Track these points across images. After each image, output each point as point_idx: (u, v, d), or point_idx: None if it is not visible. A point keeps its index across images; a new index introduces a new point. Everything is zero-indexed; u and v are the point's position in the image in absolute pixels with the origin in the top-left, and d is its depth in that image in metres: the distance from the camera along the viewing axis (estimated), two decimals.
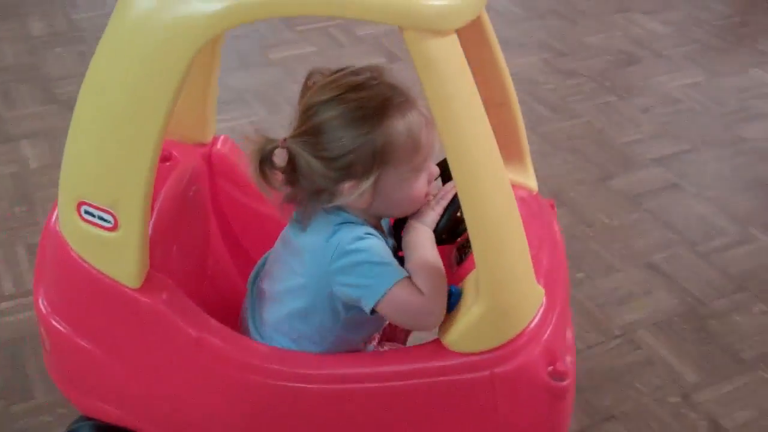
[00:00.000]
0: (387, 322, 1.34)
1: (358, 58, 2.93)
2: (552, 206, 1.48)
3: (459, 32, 1.28)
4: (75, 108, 1.13)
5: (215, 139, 1.53)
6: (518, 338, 1.15)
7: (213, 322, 1.23)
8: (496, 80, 1.33)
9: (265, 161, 1.16)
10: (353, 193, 1.16)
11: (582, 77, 2.83)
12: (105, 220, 1.14)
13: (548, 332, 1.18)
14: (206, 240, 1.51)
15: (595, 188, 2.29)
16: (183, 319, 1.20)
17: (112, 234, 1.14)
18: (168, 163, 1.45)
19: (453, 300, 1.16)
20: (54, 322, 1.27)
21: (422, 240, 1.21)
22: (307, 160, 1.14)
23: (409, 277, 1.15)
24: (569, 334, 1.31)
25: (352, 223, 1.19)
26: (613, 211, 2.22)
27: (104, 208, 1.13)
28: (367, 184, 1.15)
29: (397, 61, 2.87)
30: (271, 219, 1.53)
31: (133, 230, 1.13)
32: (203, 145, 1.51)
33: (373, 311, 1.16)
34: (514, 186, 1.37)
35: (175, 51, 1.02)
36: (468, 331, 1.14)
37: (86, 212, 1.15)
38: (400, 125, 1.14)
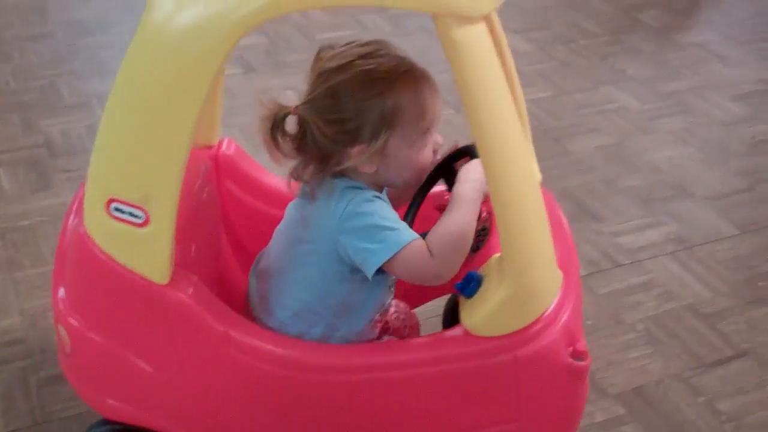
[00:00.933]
0: (390, 301, 1.37)
1: None
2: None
3: None
4: (106, 107, 1.15)
5: (220, 142, 1.55)
6: (540, 320, 1.20)
7: (238, 316, 1.25)
8: (505, 71, 1.37)
9: (276, 127, 1.20)
10: (362, 156, 1.20)
11: None
12: (136, 216, 1.15)
13: (567, 314, 1.22)
14: (218, 240, 1.52)
15: None
16: (210, 313, 1.21)
17: (143, 230, 1.16)
18: None
19: (473, 285, 1.20)
20: (75, 322, 1.28)
21: (467, 197, 1.21)
22: (317, 124, 1.19)
23: (420, 239, 1.18)
24: None
25: (359, 188, 1.23)
26: None
27: (135, 204, 1.14)
28: (375, 147, 1.19)
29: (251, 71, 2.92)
30: (275, 219, 1.55)
31: (163, 225, 1.15)
32: (210, 147, 1.53)
33: (379, 272, 1.19)
34: None
35: (212, 45, 1.05)
36: (492, 315, 1.18)
37: (116, 209, 1.16)
38: (407, 89, 1.20)
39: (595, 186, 2.38)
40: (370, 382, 1.22)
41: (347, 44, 1.23)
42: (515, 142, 1.10)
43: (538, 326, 1.20)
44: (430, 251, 1.17)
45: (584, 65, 3.08)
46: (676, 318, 1.89)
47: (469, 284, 1.21)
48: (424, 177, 1.30)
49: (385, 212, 1.21)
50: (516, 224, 1.12)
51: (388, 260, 1.17)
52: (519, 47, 3.20)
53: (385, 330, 1.43)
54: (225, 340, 1.22)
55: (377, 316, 1.35)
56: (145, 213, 1.15)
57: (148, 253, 1.18)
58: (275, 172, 1.60)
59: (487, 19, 1.28)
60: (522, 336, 1.19)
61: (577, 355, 1.21)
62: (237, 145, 1.57)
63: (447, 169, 1.32)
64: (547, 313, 1.21)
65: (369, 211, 1.20)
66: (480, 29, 1.05)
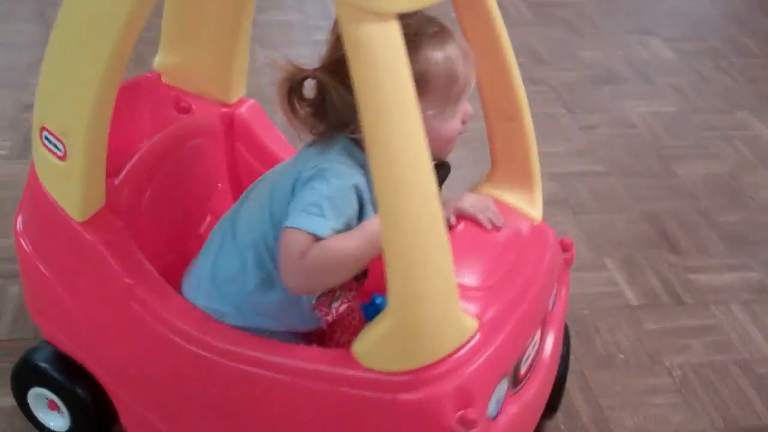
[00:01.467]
0: (343, 295, 1.25)
1: None
2: (566, 246, 1.35)
3: (469, 36, 1.19)
4: (52, 32, 1.15)
5: (241, 102, 1.51)
6: (431, 368, 1.04)
7: (152, 273, 1.21)
8: (507, 90, 1.22)
9: (293, 91, 1.12)
10: None
11: (546, 86, 2.69)
12: (57, 148, 1.15)
13: (471, 371, 1.06)
14: (204, 196, 1.48)
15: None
16: (120, 263, 1.19)
17: (62, 163, 1.15)
18: (185, 116, 1.46)
19: (372, 309, 1.08)
20: (22, 242, 1.31)
21: (372, 229, 1.08)
22: (337, 89, 1.09)
23: (318, 240, 1.06)
24: (532, 392, 1.21)
25: (354, 161, 1.13)
26: None
27: (57, 135, 1.14)
28: None
29: None
30: None
31: (79, 161, 1.14)
32: (227, 105, 1.49)
33: None
34: (513, 213, 1.26)
35: None
36: (375, 344, 1.05)
37: (46, 138, 1.16)
38: (436, 54, 1.09)
39: (687, 214, 2.11)
40: (245, 374, 1.13)
41: None
42: (413, 160, 0.95)
43: (428, 374, 1.04)
44: (306, 253, 1.05)
45: (728, 85, 2.75)
46: (722, 371, 1.65)
47: (369, 306, 1.09)
48: (450, 149, 1.18)
49: (338, 197, 1.09)
50: (401, 253, 0.98)
51: (290, 227, 1.06)
52: (663, 55, 2.94)
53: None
54: (128, 294, 1.19)
55: (323, 300, 1.23)
56: (64, 146, 1.14)
57: (66, 187, 1.18)
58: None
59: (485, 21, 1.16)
60: (405, 378, 1.04)
61: (465, 422, 1.05)
62: (260, 109, 1.53)
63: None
64: (444, 361, 1.05)
65: (332, 185, 1.09)
66: (390, 29, 0.91)
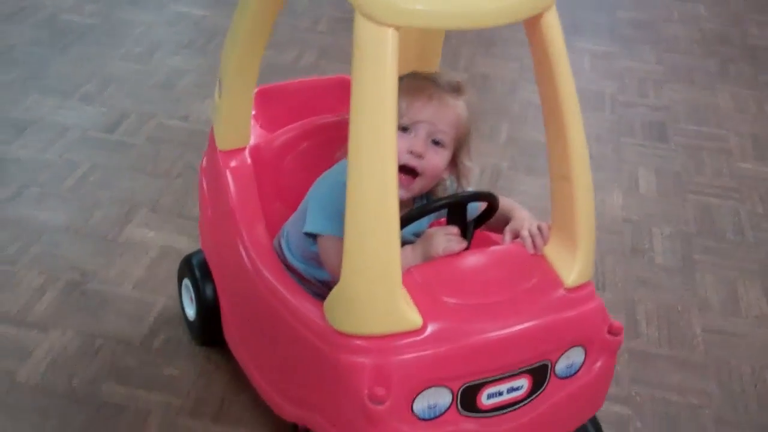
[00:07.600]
0: None
1: None
2: (613, 329, 1.33)
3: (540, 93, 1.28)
4: None
5: None
6: (364, 339, 1.20)
7: (255, 208, 1.51)
8: (563, 149, 1.28)
9: None
10: None
11: None
12: (219, 90, 1.52)
13: (397, 357, 1.19)
14: None
15: None
16: (235, 190, 1.51)
17: (218, 100, 1.52)
18: None
19: None
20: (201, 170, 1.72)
21: (409, 253, 1.33)
22: None
23: (330, 237, 1.31)
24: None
25: None
26: None
27: (220, 79, 1.51)
28: None
29: None
30: None
31: (227, 100, 1.50)
32: None
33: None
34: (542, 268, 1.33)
35: None
36: (328, 302, 1.24)
37: (218, 82, 1.53)
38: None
39: None
40: (261, 292, 1.43)
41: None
42: (375, 157, 1.13)
43: (357, 343, 1.20)
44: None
45: None
46: None
47: None
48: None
49: (328, 196, 1.35)
50: (358, 228, 1.16)
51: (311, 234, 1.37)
52: None
53: None
54: (231, 216, 1.50)
55: None
56: (220, 88, 1.50)
57: (218, 120, 1.55)
58: None
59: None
60: (342, 341, 1.22)
61: (373, 396, 1.18)
62: None
63: (460, 204, 1.36)
64: (377, 341, 1.20)
65: (327, 183, 1.39)
66: (385, 35, 1.10)
